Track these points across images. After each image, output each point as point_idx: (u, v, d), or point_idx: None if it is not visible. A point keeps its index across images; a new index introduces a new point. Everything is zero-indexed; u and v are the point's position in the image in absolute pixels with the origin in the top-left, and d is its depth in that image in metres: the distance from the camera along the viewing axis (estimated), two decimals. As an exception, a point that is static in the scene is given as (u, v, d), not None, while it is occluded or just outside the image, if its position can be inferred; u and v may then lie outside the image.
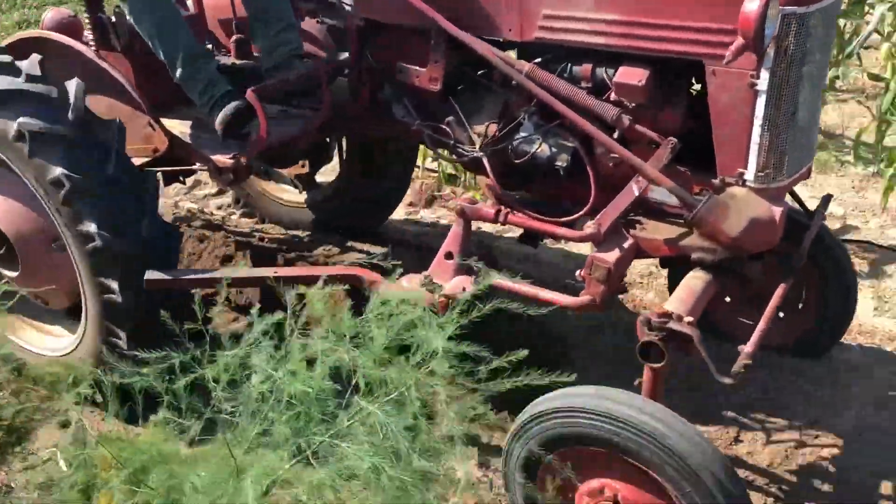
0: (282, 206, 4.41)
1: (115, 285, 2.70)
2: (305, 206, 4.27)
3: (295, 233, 4.26)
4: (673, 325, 2.13)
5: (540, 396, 2.13)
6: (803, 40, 2.19)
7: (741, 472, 2.66)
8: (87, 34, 3.18)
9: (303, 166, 4.12)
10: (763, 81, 2.22)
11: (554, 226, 2.64)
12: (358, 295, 2.51)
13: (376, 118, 3.19)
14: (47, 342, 3.17)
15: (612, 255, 2.43)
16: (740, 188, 2.36)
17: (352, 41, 3.05)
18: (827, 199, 2.87)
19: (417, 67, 2.80)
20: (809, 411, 2.96)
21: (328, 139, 3.91)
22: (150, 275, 2.68)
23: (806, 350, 3.12)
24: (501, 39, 2.66)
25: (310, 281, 3.16)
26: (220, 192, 4.84)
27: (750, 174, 2.34)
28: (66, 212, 2.65)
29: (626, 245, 2.47)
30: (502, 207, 2.66)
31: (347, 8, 3.36)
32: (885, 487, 2.64)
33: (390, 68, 2.96)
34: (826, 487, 2.66)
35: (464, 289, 2.57)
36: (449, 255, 2.67)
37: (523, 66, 2.53)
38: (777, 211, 2.35)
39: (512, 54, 2.68)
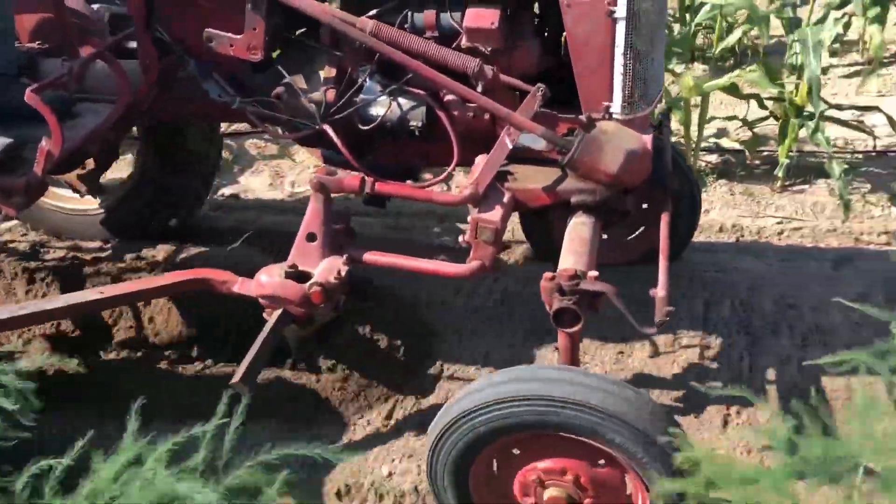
0: (64, 216, 3.80)
1: None
2: (100, 211, 3.70)
3: (92, 244, 3.69)
4: (585, 285, 2.02)
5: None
6: (656, -38, 2.12)
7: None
8: None
9: (83, 167, 3.56)
10: (621, 7, 2.14)
11: (428, 191, 2.43)
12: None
13: (177, 100, 2.77)
14: None
15: (496, 214, 2.28)
16: (609, 122, 2.29)
17: (136, 13, 2.58)
18: (667, 114, 2.90)
19: (231, 35, 2.42)
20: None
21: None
22: None
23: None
24: (326, -7, 2.36)
25: (148, 297, 2.74)
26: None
27: (616, 106, 2.28)
28: None
29: (505, 200, 2.33)
30: (366, 177, 2.39)
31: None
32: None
33: (191, 40, 2.55)
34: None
35: (339, 272, 2.30)
36: (311, 237, 2.38)
37: (366, 23, 2.26)
38: (647, 140, 2.31)
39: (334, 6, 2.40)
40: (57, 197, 3.74)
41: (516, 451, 2.00)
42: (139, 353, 2.89)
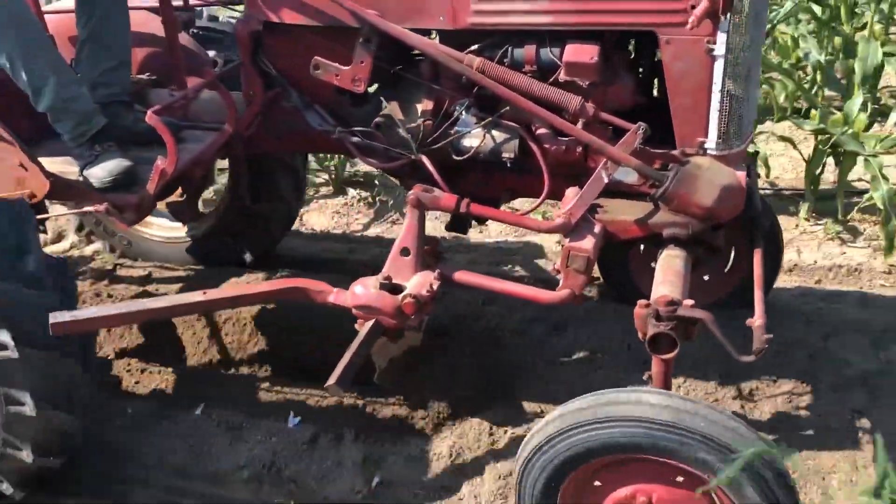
0: (154, 244, 3.95)
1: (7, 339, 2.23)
2: (187, 239, 3.84)
3: (184, 270, 3.83)
4: (682, 311, 2.03)
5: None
6: (755, 1, 2.18)
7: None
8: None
9: (181, 195, 3.71)
10: (720, 46, 2.19)
11: (521, 217, 2.48)
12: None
13: (277, 131, 2.89)
14: None
15: (588, 243, 2.31)
16: (704, 157, 2.32)
17: (243, 48, 2.73)
18: (753, 160, 2.92)
19: (339, 66, 2.54)
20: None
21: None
22: (57, 317, 2.24)
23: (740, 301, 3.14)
24: (432, 30, 2.47)
25: (246, 302, 2.82)
26: (59, 239, 4.27)
27: (711, 142, 2.31)
28: None
29: (596, 231, 2.36)
30: (462, 197, 2.44)
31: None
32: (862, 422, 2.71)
33: (296, 73, 2.68)
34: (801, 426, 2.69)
35: (431, 286, 2.35)
36: (405, 251, 2.43)
37: (472, 60, 2.35)
38: (741, 175, 2.33)
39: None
40: (146, 223, 3.91)
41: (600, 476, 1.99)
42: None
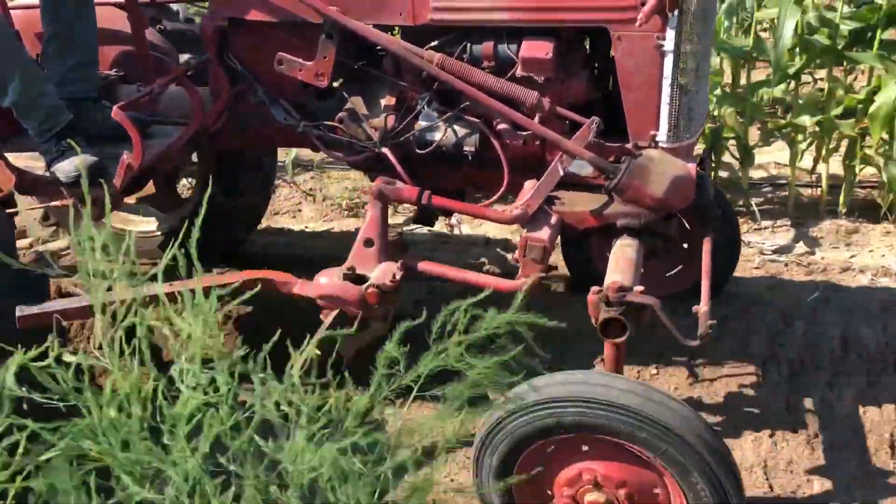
0: (124, 237, 3.97)
1: None
2: (158, 234, 3.87)
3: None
4: (631, 297, 2.11)
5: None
6: (703, -3, 2.26)
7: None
8: None
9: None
10: (669, 41, 2.27)
11: (481, 209, 2.55)
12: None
13: (243, 126, 2.94)
14: None
15: (545, 234, 2.39)
16: (655, 150, 2.40)
17: (209, 43, 2.77)
18: (708, 152, 3.01)
19: (302, 61, 2.59)
20: (723, 345, 3.07)
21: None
22: (23, 310, 2.28)
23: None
24: (392, 25, 2.53)
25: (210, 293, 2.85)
26: (22, 235, 4.28)
27: (662, 135, 2.39)
28: None
29: (552, 222, 2.44)
30: (423, 189, 2.51)
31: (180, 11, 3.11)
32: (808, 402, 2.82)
33: (262, 69, 2.73)
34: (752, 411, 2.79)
35: (394, 276, 2.42)
36: (369, 242, 2.49)
37: (433, 56, 2.41)
38: (692, 167, 2.41)
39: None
40: (120, 219, 3.93)
41: (555, 456, 2.07)
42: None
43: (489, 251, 3.89)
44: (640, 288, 2.16)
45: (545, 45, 2.38)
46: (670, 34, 2.26)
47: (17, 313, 2.26)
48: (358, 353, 2.79)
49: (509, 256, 2.46)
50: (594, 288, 2.18)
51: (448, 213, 3.07)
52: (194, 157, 3.74)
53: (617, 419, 1.91)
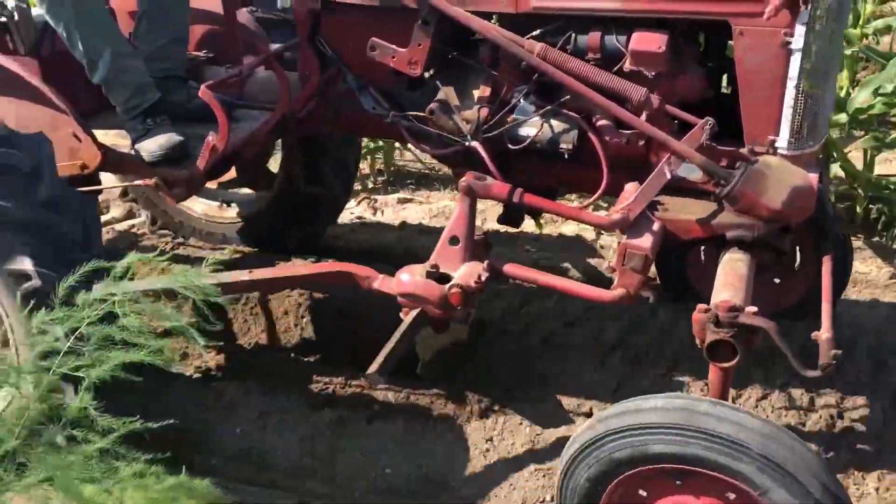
0: (203, 222, 3.95)
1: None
2: (237, 220, 3.83)
3: (237, 249, 3.82)
4: (744, 318, 1.92)
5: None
6: (839, -8, 2.05)
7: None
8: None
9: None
10: (798, 39, 2.06)
11: (578, 210, 2.39)
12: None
13: (330, 112, 2.84)
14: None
15: (647, 241, 2.21)
16: (773, 157, 2.19)
17: (301, 26, 2.69)
18: (824, 162, 2.78)
19: (396, 48, 2.47)
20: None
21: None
22: (98, 291, 2.22)
23: (804, 312, 3.00)
24: (491, 13, 2.39)
25: (292, 284, 2.78)
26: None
27: (782, 141, 2.19)
28: None
29: (655, 229, 2.26)
30: (515, 187, 2.36)
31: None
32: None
33: (352, 55, 2.62)
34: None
35: (479, 276, 2.28)
36: (454, 240, 2.35)
37: (533, 46, 2.26)
38: (813, 178, 2.20)
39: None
40: (197, 204, 3.91)
41: (649, 484, 1.90)
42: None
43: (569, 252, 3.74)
44: (753, 309, 1.97)
45: (659, 38, 2.20)
46: (800, 30, 2.05)
47: (93, 294, 2.20)
48: (436, 355, 2.68)
49: (605, 265, 2.28)
50: (701, 306, 2.00)
51: (538, 213, 2.91)
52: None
53: (726, 452, 1.72)
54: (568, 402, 2.75)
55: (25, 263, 2.15)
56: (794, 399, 2.71)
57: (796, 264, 2.85)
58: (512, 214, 2.73)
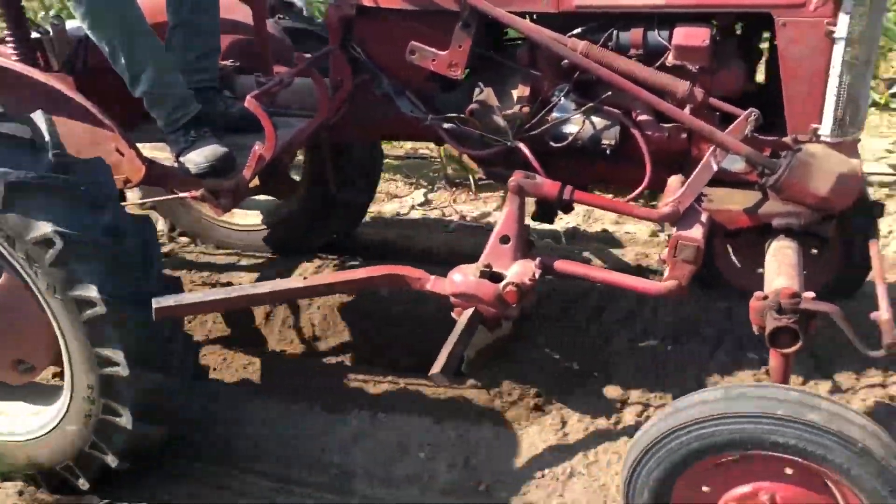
0: (227, 230, 3.96)
1: (119, 356, 2.23)
2: (263, 226, 3.84)
3: (263, 256, 3.84)
4: (806, 304, 1.95)
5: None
6: (882, -21, 2.09)
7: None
8: (8, 51, 2.67)
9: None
10: (842, 28, 2.10)
11: (627, 204, 2.42)
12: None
13: (361, 118, 2.86)
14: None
15: (697, 232, 2.24)
16: (816, 145, 2.23)
17: (333, 32, 2.70)
18: None
19: (436, 51, 2.49)
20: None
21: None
22: (159, 302, 2.24)
23: (834, 291, 3.03)
24: (530, 13, 2.41)
25: (346, 288, 2.79)
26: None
27: (826, 129, 2.22)
28: (55, 275, 2.16)
29: (704, 220, 2.29)
30: (565, 184, 2.37)
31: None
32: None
33: (388, 59, 2.64)
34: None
35: (533, 274, 2.30)
36: (505, 239, 2.36)
37: (577, 44, 2.29)
38: (857, 164, 2.24)
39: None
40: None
41: (724, 473, 1.93)
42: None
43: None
44: (812, 294, 2.00)
45: (702, 32, 2.23)
46: (843, 19, 2.08)
47: (154, 305, 2.21)
48: (481, 351, 2.70)
49: (658, 256, 2.31)
50: (758, 294, 2.03)
51: (570, 210, 2.93)
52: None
53: (808, 439, 1.76)
54: (615, 392, 2.78)
55: (90, 290, 2.15)
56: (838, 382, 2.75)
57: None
58: (546, 211, 2.76)
